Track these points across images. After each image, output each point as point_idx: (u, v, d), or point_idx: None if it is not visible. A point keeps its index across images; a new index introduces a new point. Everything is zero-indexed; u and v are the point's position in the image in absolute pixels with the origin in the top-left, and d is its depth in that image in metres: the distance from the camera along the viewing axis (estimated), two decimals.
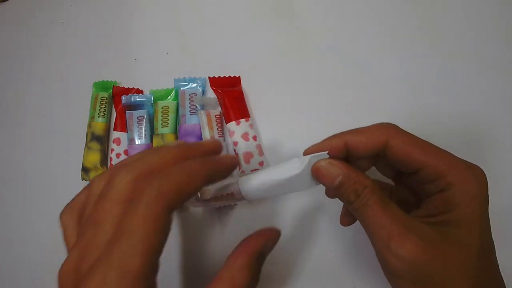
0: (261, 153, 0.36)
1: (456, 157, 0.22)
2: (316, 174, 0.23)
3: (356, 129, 0.24)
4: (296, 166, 0.23)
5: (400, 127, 0.24)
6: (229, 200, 0.27)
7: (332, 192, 0.23)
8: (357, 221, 0.26)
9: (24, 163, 0.40)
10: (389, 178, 0.28)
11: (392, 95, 0.39)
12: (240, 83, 0.39)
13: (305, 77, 0.40)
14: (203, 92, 0.39)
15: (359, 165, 0.25)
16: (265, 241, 0.23)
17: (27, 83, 0.43)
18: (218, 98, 0.38)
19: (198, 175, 0.20)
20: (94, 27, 0.44)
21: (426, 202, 0.23)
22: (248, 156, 0.35)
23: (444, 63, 0.39)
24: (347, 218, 0.28)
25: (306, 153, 0.24)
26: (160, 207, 0.18)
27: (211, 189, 0.27)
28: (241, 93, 0.39)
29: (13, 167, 0.40)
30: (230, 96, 0.38)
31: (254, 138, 0.36)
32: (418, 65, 0.39)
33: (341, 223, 0.28)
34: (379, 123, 0.24)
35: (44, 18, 0.45)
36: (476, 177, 0.21)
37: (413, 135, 0.23)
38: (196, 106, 0.37)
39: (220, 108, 0.38)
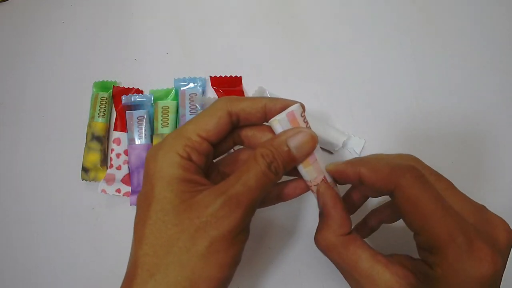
0: None
1: (464, 226, 0.19)
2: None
3: (371, 161, 0.22)
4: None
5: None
6: None
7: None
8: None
9: (24, 163, 0.40)
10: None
11: (392, 95, 0.39)
12: (241, 83, 0.39)
13: (305, 77, 0.40)
14: (203, 92, 0.39)
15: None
16: None
17: (27, 83, 0.43)
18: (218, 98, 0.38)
19: None
20: (94, 27, 0.44)
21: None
22: None
23: (445, 63, 0.39)
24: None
25: (327, 169, 0.24)
26: None
27: None
28: (242, 93, 0.39)
29: (13, 167, 0.40)
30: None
31: None
32: (418, 65, 0.39)
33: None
34: (400, 159, 0.22)
35: (44, 18, 0.45)
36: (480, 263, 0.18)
37: (429, 182, 0.20)
38: (196, 106, 0.37)
39: None
